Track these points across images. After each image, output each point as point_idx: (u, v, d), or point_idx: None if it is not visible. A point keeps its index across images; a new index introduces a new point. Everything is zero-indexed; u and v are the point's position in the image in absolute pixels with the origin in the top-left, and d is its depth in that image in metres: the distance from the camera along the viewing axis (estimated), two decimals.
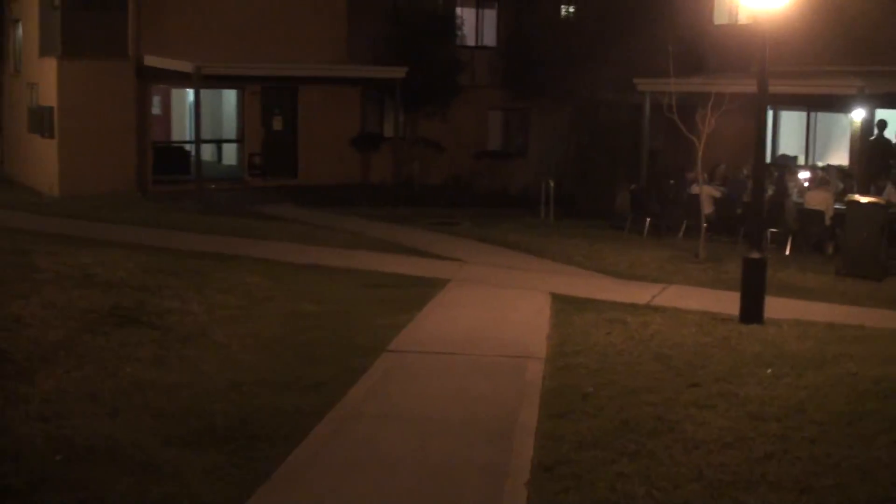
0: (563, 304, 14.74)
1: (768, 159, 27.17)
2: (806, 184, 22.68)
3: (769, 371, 11.03)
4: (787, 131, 27.15)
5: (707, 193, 22.62)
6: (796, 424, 9.06)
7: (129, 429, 8.76)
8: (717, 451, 8.45)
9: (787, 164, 26.42)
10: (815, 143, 26.05)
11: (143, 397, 9.57)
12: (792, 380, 10.67)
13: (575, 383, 10.50)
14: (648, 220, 22.83)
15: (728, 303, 14.94)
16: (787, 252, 20.54)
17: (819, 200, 20.95)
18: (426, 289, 15.41)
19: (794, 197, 22.08)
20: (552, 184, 25.75)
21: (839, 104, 23.91)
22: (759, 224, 14.60)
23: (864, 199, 18.15)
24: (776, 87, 22.76)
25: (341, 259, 17.83)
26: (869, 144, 23.62)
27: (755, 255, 14.10)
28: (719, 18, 28.03)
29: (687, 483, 7.82)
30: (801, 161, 26.49)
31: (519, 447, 8.55)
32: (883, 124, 24.01)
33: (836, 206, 20.58)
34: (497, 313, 14.13)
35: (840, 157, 25.42)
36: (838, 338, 12.93)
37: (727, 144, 27.10)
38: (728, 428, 8.99)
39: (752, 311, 13.92)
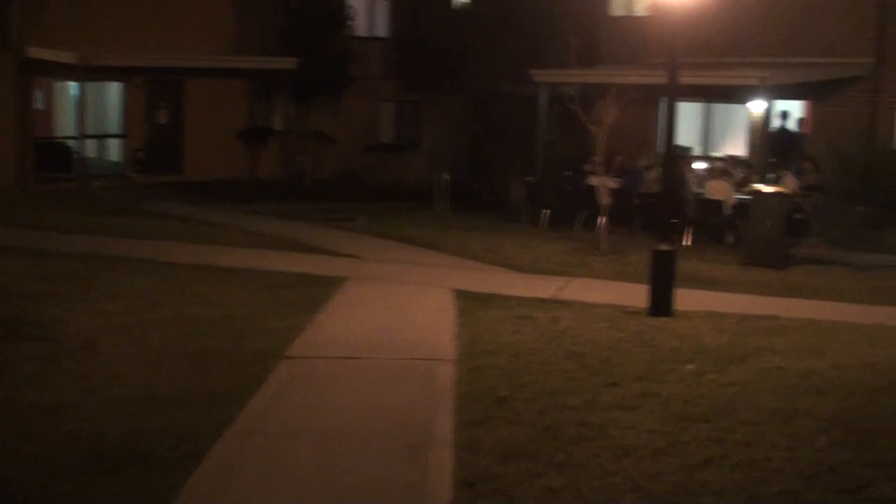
0: (468, 301, 14.02)
1: (656, 147, 26.93)
2: (703, 173, 22.41)
3: (690, 367, 10.46)
4: (683, 122, 26.83)
5: (604, 185, 22.17)
6: (728, 425, 8.45)
7: (7, 460, 7.74)
8: (650, 457, 7.77)
9: (682, 155, 26.15)
10: (712, 134, 25.80)
11: (23, 422, 8.54)
12: (715, 376, 10.10)
13: (489, 386, 9.76)
14: (546, 212, 22.27)
15: (634, 295, 14.42)
16: (688, 243, 20.19)
17: (719, 190, 20.63)
18: (324, 288, 14.55)
19: (694, 187, 21.75)
20: (447, 177, 25.07)
21: (737, 95, 23.66)
22: (668, 215, 14.05)
23: (768, 190, 17.83)
24: (682, 79, 22.51)
25: (233, 258, 16.83)
26: (771, 134, 23.47)
27: (664, 247, 13.57)
28: (615, 10, 27.64)
29: (622, 496, 7.11)
30: (697, 152, 26.24)
31: (437, 462, 7.76)
32: (785, 115, 23.88)
33: (737, 196, 20.28)
34: (400, 312, 13.34)
35: (737, 147, 25.20)
36: (754, 330, 12.45)
37: (621, 136, 26.69)
38: (657, 431, 8.34)
39: (661, 305, 13.39)
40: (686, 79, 22.01)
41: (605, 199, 22.14)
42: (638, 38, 25.96)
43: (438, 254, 18.25)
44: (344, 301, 13.87)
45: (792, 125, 24.07)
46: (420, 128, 32.47)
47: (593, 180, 22.29)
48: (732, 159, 23.38)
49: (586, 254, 18.32)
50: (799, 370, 10.22)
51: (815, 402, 9.06)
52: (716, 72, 21.95)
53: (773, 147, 23.65)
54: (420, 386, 9.88)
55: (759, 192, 17.80)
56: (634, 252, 18.49)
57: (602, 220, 19.45)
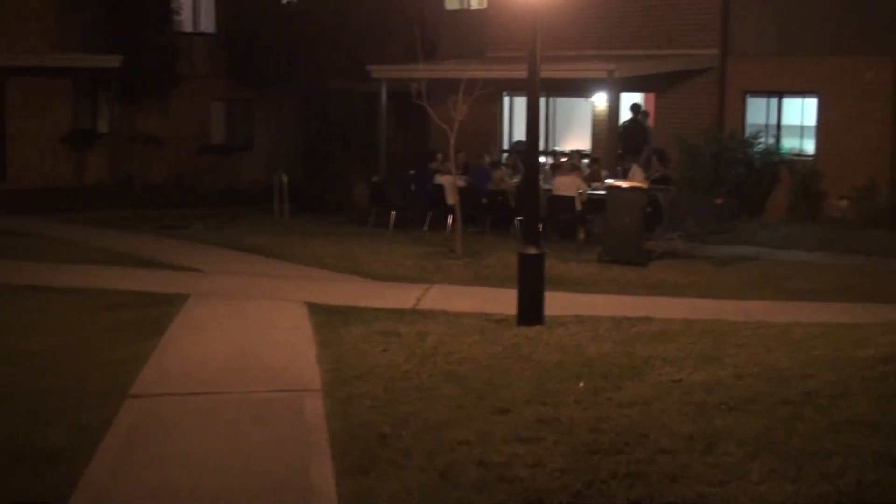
0: (324, 316, 12.73)
1: (506, 146, 26.09)
2: (548, 169, 21.60)
3: (581, 385, 9.43)
4: (522, 117, 26.05)
5: (451, 184, 21.14)
6: (646, 456, 7.37)
7: None
8: None
9: (520, 150, 25.38)
10: (556, 129, 25.05)
11: None
12: (612, 394, 9.07)
13: (365, 420, 8.48)
14: (393, 213, 21.09)
15: (499, 301, 13.48)
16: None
17: (568, 185, 19.81)
18: (165, 308, 13.02)
19: (542, 183, 20.92)
20: (285, 179, 23.66)
21: (581, 89, 22.95)
22: (534, 215, 13.03)
23: (624, 185, 17.05)
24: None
25: (62, 276, 15.07)
26: (622, 128, 22.88)
27: (532, 250, 12.55)
28: (451, 4, 26.64)
29: None
30: (541, 147, 25.45)
31: None
32: (637, 108, 23.27)
33: (590, 192, 19.53)
34: (252, 333, 11.92)
35: (580, 141, 24.51)
36: (634, 335, 11.53)
37: (462, 132, 25.75)
38: (569, 470, 7.20)
39: (532, 312, 12.36)
40: (544, 73, 21.22)
41: (451, 199, 21.14)
42: (475, 32, 25.05)
43: (285, 263, 16.86)
44: (189, 322, 12.38)
45: (640, 118, 23.51)
46: (253, 127, 30.75)
47: (440, 179, 21.24)
48: (577, 154, 22.63)
49: (441, 257, 17.22)
50: (700, 383, 9.28)
51: (732, 422, 8.08)
52: (562, 65, 21.15)
53: (622, 141, 23.09)
54: (287, 424, 8.53)
55: (615, 187, 17.03)
56: (490, 253, 17.50)
57: (452, 221, 18.39)
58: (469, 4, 26.30)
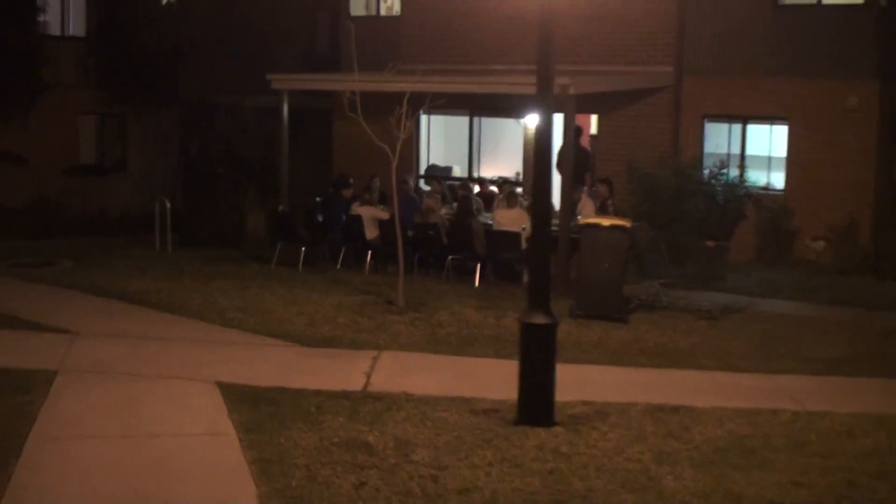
0: (248, 408, 8.76)
1: (422, 171, 22.25)
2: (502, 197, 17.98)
3: None
4: (443, 139, 22.26)
5: (372, 215, 17.22)
6: None
7: None
8: None
9: (437, 176, 21.64)
10: (480, 153, 21.31)
11: None
12: None
13: None
14: (303, 249, 17.01)
15: (472, 377, 10.10)
16: (477, 284, 15.63)
17: (512, 219, 16.12)
18: (22, 397, 8.79)
19: (483, 217, 17.21)
20: (167, 205, 19.37)
21: (510, 109, 19.27)
22: (543, 268, 9.18)
23: (604, 222, 13.33)
24: (462, 86, 17.72)
25: None
26: (562, 153, 19.34)
27: (540, 317, 8.77)
28: (356, 9, 22.66)
29: None
30: (458, 172, 21.74)
31: None
32: (579, 131, 19.77)
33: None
34: (149, 451, 7.74)
35: (506, 167, 20.82)
36: (701, 444, 7.91)
37: (368, 155, 21.86)
38: None
39: (540, 408, 8.62)
40: (492, 86, 17.47)
41: (371, 232, 17.21)
42: (385, 42, 21.17)
43: (181, 319, 12.66)
44: (57, 426, 8.17)
45: (581, 142, 19.98)
46: (128, 145, 25.93)
47: (358, 209, 17.29)
48: (509, 184, 18.92)
49: (379, 310, 13.27)
50: None
51: None
52: (498, 79, 17.43)
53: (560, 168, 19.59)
54: None
55: (591, 226, 13.33)
56: (438, 305, 13.63)
57: (372, 257, 14.51)
58: (378, 11, 22.41)
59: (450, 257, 16.30)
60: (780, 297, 15.36)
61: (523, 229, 15.73)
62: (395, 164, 13.36)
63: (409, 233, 16.87)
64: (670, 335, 12.52)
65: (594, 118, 20.31)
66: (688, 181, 17.19)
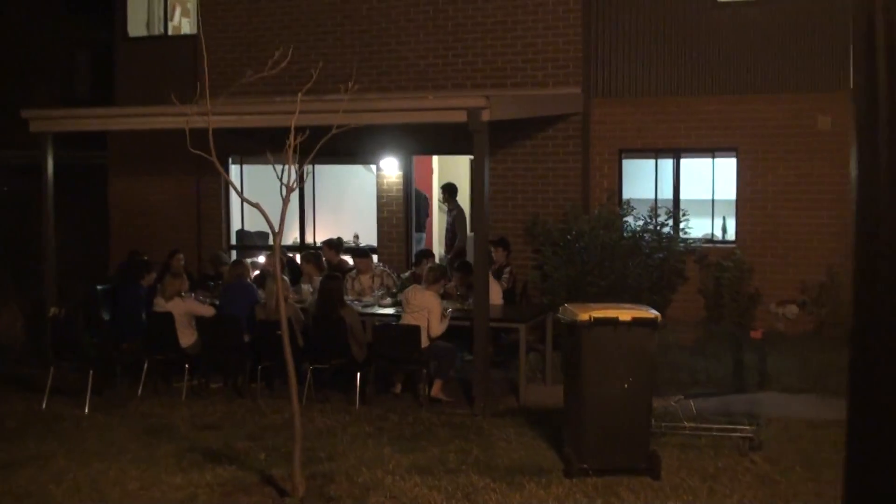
0: None
1: (233, 238, 16.26)
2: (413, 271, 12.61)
3: None
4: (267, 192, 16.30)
5: (185, 311, 11.29)
6: None
7: None
8: None
9: (260, 247, 15.85)
10: (315, 210, 15.48)
11: None
12: None
13: None
14: (91, 372, 10.77)
15: None
16: (358, 404, 10.05)
17: (422, 306, 10.55)
18: None
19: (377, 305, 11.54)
20: None
21: (359, 153, 13.81)
22: None
23: (623, 315, 7.72)
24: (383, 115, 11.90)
25: None
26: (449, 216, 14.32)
27: None
28: (136, 29, 16.47)
29: None
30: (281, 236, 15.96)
31: None
32: (452, 189, 14.64)
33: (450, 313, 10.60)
34: None
35: (348, 228, 15.19)
36: None
37: (154, 221, 15.86)
38: None
39: None
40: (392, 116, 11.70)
41: (186, 337, 11.26)
42: (177, 68, 15.26)
43: None
44: None
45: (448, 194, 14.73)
46: None
47: (165, 305, 11.26)
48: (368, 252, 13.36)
49: (264, 500, 7.42)
50: None
51: None
52: (391, 103, 11.83)
53: (448, 240, 14.50)
54: None
55: (603, 321, 7.75)
56: (355, 474, 7.78)
57: (189, 373, 8.64)
58: (164, 30, 16.30)
59: (311, 366, 10.61)
60: (776, 390, 10.66)
61: (444, 314, 10.42)
62: (280, 229, 7.37)
63: (246, 337, 11.10)
64: (728, 491, 7.38)
65: (466, 159, 15.16)
66: (612, 237, 12.26)
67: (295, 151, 6.99)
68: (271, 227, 7.05)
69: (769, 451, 8.53)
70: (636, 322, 7.68)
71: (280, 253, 13.31)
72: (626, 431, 7.74)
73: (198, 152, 7.07)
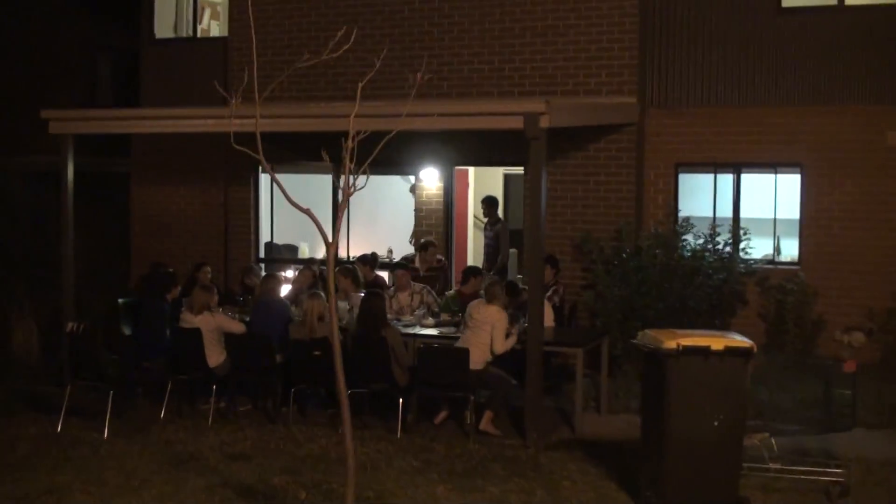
0: None
1: (261, 251, 15.45)
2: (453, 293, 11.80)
3: None
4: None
5: (214, 328, 10.46)
6: None
7: None
8: None
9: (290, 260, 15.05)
10: (350, 223, 14.65)
11: None
12: None
13: None
14: (112, 394, 9.91)
15: None
16: (400, 433, 9.20)
17: (494, 321, 9.64)
18: None
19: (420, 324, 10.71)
20: None
21: (395, 163, 12.99)
22: None
23: (715, 345, 6.84)
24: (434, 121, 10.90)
25: None
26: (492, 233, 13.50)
27: None
28: (163, 31, 15.69)
29: None
30: (307, 252, 15.13)
31: None
32: (493, 202, 13.81)
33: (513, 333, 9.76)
34: None
35: (378, 242, 14.34)
36: None
37: (177, 232, 15.09)
38: None
39: None
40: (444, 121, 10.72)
41: (217, 356, 10.42)
42: (206, 69, 14.50)
43: None
44: None
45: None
46: None
47: (193, 320, 10.42)
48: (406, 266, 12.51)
49: None
50: None
51: None
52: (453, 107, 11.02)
53: (488, 257, 13.70)
54: None
55: (692, 350, 6.84)
56: None
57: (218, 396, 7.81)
58: (193, 33, 15.54)
59: (349, 391, 9.74)
60: (860, 426, 9.74)
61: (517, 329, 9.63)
62: (334, 242, 6.49)
63: (278, 357, 10.26)
64: None
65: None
66: (672, 258, 11.41)
67: (351, 160, 6.14)
68: (324, 236, 6.20)
69: (857, 495, 7.68)
70: (729, 352, 6.82)
71: (316, 267, 12.57)
72: (715, 473, 6.86)
73: (243, 149, 6.21)
